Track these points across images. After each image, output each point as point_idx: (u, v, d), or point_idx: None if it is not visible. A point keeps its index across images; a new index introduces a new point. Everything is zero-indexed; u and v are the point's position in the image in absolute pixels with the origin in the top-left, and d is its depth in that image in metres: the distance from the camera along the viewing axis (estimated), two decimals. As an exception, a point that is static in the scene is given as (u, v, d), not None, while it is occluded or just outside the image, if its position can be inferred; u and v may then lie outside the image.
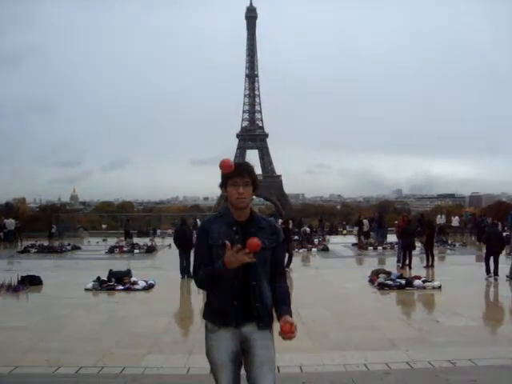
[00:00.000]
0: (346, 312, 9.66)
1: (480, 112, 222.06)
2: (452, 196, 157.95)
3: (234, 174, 3.08)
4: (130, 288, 12.24)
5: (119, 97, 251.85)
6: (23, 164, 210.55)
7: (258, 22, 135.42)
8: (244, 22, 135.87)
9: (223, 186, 3.17)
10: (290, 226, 30.67)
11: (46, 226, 33.72)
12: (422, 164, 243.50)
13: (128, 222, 33.44)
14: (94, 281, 12.47)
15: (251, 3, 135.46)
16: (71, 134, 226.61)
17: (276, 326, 3.13)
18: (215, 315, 3.14)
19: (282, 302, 3.21)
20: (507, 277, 13.16)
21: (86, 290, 12.12)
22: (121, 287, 12.29)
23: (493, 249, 13.64)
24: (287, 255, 15.56)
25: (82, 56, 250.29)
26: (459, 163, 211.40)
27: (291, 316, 3.14)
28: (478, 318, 9.39)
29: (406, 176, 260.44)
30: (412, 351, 6.75)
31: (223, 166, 3.06)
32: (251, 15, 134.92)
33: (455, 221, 33.34)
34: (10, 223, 30.82)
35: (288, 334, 2.99)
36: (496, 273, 13.36)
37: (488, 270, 13.54)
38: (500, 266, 13.54)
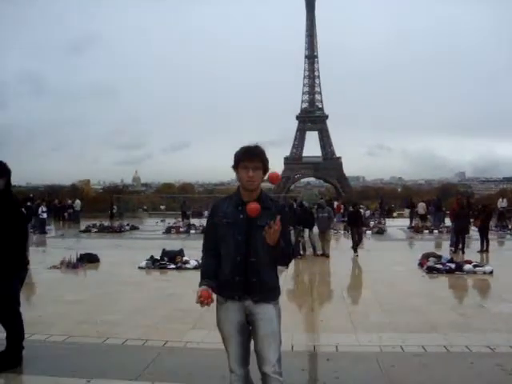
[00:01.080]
0: (390, 295, 9.67)
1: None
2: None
3: (245, 157, 3.30)
4: (181, 267, 12.66)
5: (179, 81, 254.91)
6: (88, 147, 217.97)
7: (318, 2, 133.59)
8: (303, 2, 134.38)
9: (235, 167, 3.38)
10: (351, 208, 30.72)
11: (108, 206, 34.96)
12: (486, 146, 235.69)
13: (185, 203, 34.16)
14: (147, 259, 12.98)
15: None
16: (134, 117, 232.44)
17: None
18: (222, 288, 3.39)
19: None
20: None
21: (140, 268, 12.64)
22: (172, 266, 12.74)
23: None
24: (356, 237, 15.90)
25: (145, 42, 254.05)
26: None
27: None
28: None
29: (470, 158, 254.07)
30: (451, 335, 6.73)
31: (272, 178, 3.35)
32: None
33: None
34: (77, 204, 32.24)
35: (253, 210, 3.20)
36: None
37: None
38: None
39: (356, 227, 16.14)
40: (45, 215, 24.05)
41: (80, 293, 9.72)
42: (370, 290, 10.08)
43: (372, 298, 9.36)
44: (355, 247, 15.66)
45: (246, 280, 3.31)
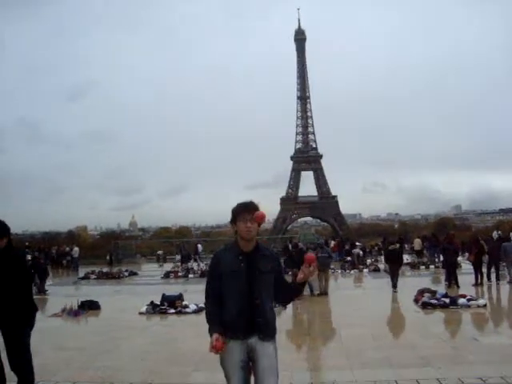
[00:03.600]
0: (386, 331, 9.93)
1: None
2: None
3: (243, 210, 3.81)
4: (181, 311, 12.86)
5: (174, 125, 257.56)
6: (85, 193, 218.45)
7: (307, 44, 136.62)
8: (293, 45, 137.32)
9: (233, 222, 3.89)
10: (347, 247, 31.01)
11: (106, 252, 35.09)
12: (482, 178, 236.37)
13: (184, 247, 34.38)
14: (147, 305, 13.18)
15: (299, 26, 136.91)
16: (131, 162, 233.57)
17: (278, 338, 3.74)
18: (225, 329, 3.75)
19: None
20: None
21: (140, 313, 12.83)
22: (172, 311, 12.93)
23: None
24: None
25: (139, 85, 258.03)
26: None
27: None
28: None
29: (466, 191, 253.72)
30: (444, 368, 6.94)
31: (258, 217, 3.77)
32: (300, 38, 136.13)
33: (517, 236, 32.25)
34: (76, 251, 32.36)
35: (311, 259, 3.73)
36: None
37: None
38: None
39: (396, 264, 16.59)
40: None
41: (82, 339, 9.94)
42: (366, 327, 10.28)
43: (368, 335, 9.56)
44: (395, 283, 16.14)
45: (252, 320, 3.72)
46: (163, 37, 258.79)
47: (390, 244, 18.27)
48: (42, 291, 18.41)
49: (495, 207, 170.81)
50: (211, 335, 3.67)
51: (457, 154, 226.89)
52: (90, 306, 13.58)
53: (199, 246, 35.42)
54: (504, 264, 17.56)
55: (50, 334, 10.51)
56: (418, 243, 29.00)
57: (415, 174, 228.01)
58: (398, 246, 17.73)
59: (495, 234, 31.70)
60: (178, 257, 33.31)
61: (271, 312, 3.85)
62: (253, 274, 3.74)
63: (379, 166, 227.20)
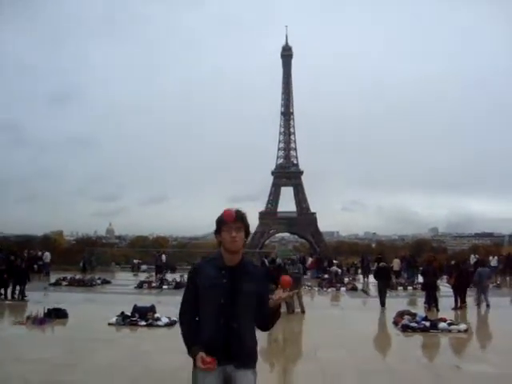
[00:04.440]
0: (365, 354, 9.52)
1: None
2: (491, 235, 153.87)
3: (228, 219, 3.36)
4: (152, 324, 12.34)
5: (156, 133, 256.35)
6: (64, 198, 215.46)
7: (294, 60, 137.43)
8: (280, 61, 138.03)
9: (217, 232, 3.43)
10: (325, 264, 30.75)
11: (81, 259, 34.29)
12: (459, 201, 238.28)
13: (160, 256, 33.71)
14: (117, 315, 12.64)
15: (287, 42, 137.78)
16: (111, 169, 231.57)
17: (258, 366, 3.27)
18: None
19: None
20: None
21: (110, 324, 12.29)
22: (143, 323, 12.40)
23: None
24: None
25: (122, 93, 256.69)
26: (500, 201, 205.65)
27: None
28: (502, 364, 8.88)
29: (443, 214, 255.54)
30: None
31: (225, 215, 3.36)
32: (287, 54, 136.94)
33: (494, 261, 32.36)
34: (47, 256, 31.50)
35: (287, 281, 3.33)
36: None
37: None
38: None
39: (385, 281, 16.91)
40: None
41: (45, 350, 9.35)
42: (345, 349, 9.90)
43: (346, 358, 9.18)
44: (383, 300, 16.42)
45: (228, 345, 3.27)
46: (147, 47, 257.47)
47: (379, 261, 18.29)
48: (23, 296, 17.75)
49: (471, 230, 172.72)
50: (193, 356, 3.26)
51: (435, 176, 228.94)
52: (57, 315, 12.93)
53: (163, 256, 34.76)
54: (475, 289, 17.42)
55: (11, 344, 9.96)
56: (396, 263, 28.71)
57: (394, 194, 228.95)
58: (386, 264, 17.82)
59: (473, 258, 31.70)
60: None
61: (251, 338, 3.39)
62: (233, 292, 3.30)
63: (359, 185, 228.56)
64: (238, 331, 3.29)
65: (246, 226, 3.43)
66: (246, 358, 3.33)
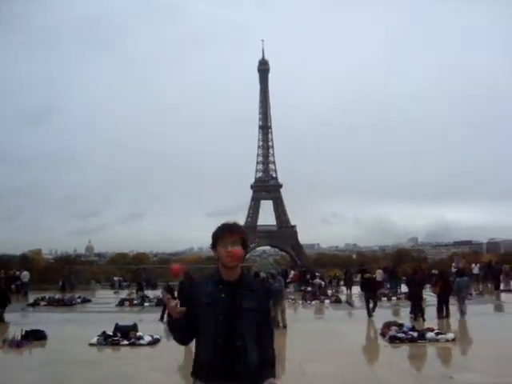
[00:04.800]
0: (353, 366, 9.33)
1: (495, 156, 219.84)
2: (469, 243, 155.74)
3: (224, 233, 3.17)
4: (134, 343, 12.01)
5: (134, 151, 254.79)
6: (42, 216, 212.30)
7: (271, 74, 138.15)
8: (257, 75, 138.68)
9: (214, 247, 3.23)
10: (308, 277, 30.59)
11: (60, 277, 33.63)
12: (438, 211, 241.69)
13: (141, 274, 33.30)
14: (98, 335, 12.26)
15: (263, 56, 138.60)
16: (89, 186, 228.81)
17: None
18: (201, 373, 3.12)
19: (266, 363, 3.19)
20: None
21: (91, 344, 11.90)
22: (126, 342, 12.05)
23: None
24: (372, 302, 16.99)
25: (100, 110, 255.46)
26: (476, 209, 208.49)
27: (274, 377, 3.18)
28: (492, 373, 8.76)
29: (422, 223, 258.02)
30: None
31: (172, 270, 3.37)
32: (264, 68, 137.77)
33: (476, 268, 32.48)
34: (25, 275, 30.74)
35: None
36: None
37: None
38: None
39: (372, 292, 17.05)
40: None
41: (22, 375, 8.96)
42: (332, 363, 9.67)
43: (334, 372, 8.97)
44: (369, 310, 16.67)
45: (231, 365, 3.03)
46: (125, 62, 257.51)
47: (363, 272, 18.39)
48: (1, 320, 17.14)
49: (449, 239, 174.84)
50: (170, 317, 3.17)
51: (413, 187, 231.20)
52: (35, 336, 12.46)
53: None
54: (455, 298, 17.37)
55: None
56: (379, 274, 28.57)
57: (373, 206, 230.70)
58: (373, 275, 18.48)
59: (453, 267, 31.73)
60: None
61: (255, 356, 3.13)
62: (233, 309, 3.07)
63: (338, 197, 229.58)
64: (243, 349, 3.06)
65: (244, 239, 3.21)
66: (252, 377, 3.09)
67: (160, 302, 23.35)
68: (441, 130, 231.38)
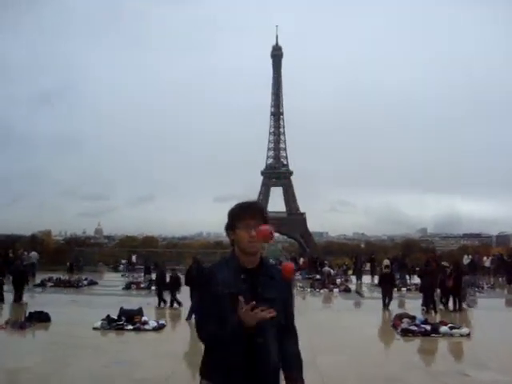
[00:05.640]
0: (366, 360, 8.96)
1: (508, 148, 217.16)
2: (478, 235, 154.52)
3: (246, 214, 2.72)
4: (139, 328, 11.75)
5: (146, 134, 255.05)
6: (52, 197, 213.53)
7: (284, 60, 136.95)
8: (270, 61, 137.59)
9: (230, 228, 2.78)
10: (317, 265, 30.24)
11: (68, 259, 33.54)
12: (448, 202, 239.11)
13: (149, 257, 33.10)
14: (103, 319, 11.99)
15: (277, 42, 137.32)
16: (100, 168, 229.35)
17: None
18: (214, 374, 2.69)
19: (291, 366, 2.81)
20: None
21: (94, 328, 11.65)
22: (130, 327, 11.79)
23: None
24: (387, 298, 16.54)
25: (111, 93, 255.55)
26: (486, 201, 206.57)
27: (303, 382, 2.80)
28: (510, 371, 8.39)
29: (431, 214, 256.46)
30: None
31: (260, 234, 2.64)
32: (277, 54, 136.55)
33: (488, 261, 31.98)
34: (33, 256, 30.68)
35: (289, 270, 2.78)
36: None
37: None
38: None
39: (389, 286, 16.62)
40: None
41: (24, 358, 8.69)
42: (345, 355, 9.31)
43: (347, 365, 8.63)
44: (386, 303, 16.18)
45: (252, 364, 2.63)
46: (138, 44, 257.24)
47: (372, 261, 18.11)
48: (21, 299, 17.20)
49: (459, 231, 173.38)
50: (235, 327, 2.55)
51: (423, 177, 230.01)
52: (39, 318, 12.24)
53: (133, 256, 34.09)
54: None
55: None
56: (386, 263, 28.28)
57: (383, 195, 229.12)
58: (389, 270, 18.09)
59: (466, 259, 31.28)
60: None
61: (276, 353, 2.72)
62: (255, 300, 2.56)
63: (348, 186, 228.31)
64: (265, 347, 2.65)
65: (266, 222, 2.73)
66: (273, 378, 2.71)
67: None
68: (453, 118, 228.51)
